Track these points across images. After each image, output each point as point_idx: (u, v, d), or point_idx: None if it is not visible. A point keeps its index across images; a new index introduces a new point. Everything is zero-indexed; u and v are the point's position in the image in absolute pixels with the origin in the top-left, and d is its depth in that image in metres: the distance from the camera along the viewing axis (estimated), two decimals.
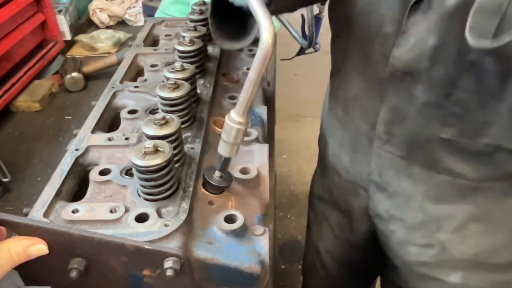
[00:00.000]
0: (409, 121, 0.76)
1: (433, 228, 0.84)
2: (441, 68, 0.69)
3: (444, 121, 0.72)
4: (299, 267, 2.24)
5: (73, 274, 0.58)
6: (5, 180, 1.45)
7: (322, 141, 1.07)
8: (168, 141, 0.69)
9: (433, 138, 0.75)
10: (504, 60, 0.61)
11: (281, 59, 1.55)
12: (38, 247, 0.56)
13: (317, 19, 1.20)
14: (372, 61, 0.78)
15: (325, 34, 1.12)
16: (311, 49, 1.33)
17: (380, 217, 0.92)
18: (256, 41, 1.25)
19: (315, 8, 1.18)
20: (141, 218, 0.64)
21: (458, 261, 0.87)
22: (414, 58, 0.70)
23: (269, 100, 1.08)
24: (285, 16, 1.30)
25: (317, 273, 1.26)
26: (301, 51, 1.36)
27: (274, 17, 1.74)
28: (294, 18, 1.33)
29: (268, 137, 0.91)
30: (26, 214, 0.66)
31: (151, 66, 1.05)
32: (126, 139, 0.80)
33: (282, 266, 2.25)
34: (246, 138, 0.81)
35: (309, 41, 1.25)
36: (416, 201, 0.83)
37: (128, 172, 0.73)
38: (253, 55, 1.13)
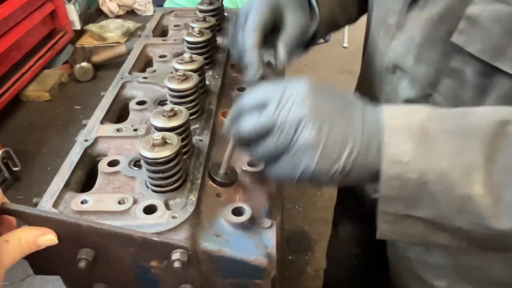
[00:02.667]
0: None
1: None
2: (424, 68, 0.71)
3: None
4: (306, 257, 2.25)
5: (82, 264, 0.59)
6: (15, 169, 1.47)
7: None
8: (177, 133, 0.69)
9: None
10: (484, 74, 0.63)
11: None
12: (48, 237, 0.56)
13: None
14: (378, 49, 0.81)
15: None
16: (321, 40, 1.31)
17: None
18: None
19: None
20: (149, 209, 0.64)
21: (440, 267, 0.85)
22: (403, 53, 0.73)
23: None
24: None
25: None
26: None
27: None
28: None
29: None
30: (36, 204, 0.67)
31: (160, 56, 1.04)
32: (135, 130, 0.81)
33: (290, 257, 2.26)
34: None
35: None
36: None
37: (136, 164, 0.73)
38: None
